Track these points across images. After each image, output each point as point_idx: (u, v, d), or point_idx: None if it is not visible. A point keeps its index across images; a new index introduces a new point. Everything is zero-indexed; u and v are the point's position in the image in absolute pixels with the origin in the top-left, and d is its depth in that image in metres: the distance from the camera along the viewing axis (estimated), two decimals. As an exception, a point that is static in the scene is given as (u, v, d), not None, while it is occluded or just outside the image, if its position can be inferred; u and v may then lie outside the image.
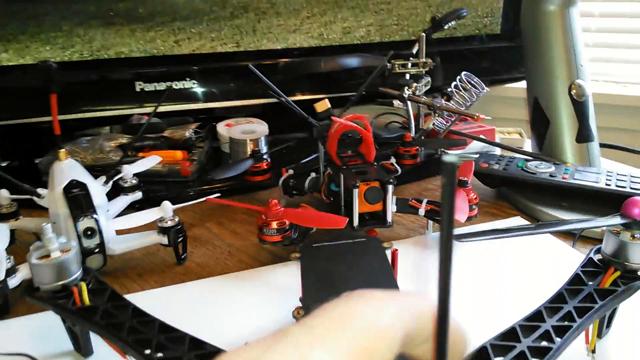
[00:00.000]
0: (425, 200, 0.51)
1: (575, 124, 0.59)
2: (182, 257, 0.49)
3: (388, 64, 0.64)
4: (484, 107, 0.87)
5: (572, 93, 0.59)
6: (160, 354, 0.29)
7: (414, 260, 0.48)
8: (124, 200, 0.54)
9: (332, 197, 0.53)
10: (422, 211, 0.50)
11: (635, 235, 0.34)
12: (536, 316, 0.30)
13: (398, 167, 0.59)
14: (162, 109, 0.71)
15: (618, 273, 0.34)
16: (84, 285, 0.34)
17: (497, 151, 0.70)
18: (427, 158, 0.67)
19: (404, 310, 0.17)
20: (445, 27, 0.69)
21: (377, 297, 0.17)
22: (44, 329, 0.39)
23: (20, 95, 0.66)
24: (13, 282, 0.42)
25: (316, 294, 0.32)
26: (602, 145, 0.62)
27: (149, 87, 0.69)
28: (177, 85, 0.70)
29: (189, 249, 0.51)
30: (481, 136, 0.69)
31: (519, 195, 0.58)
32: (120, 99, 0.70)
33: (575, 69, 0.59)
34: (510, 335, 0.29)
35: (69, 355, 0.37)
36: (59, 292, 0.34)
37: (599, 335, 0.37)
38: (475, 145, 0.70)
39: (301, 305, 0.32)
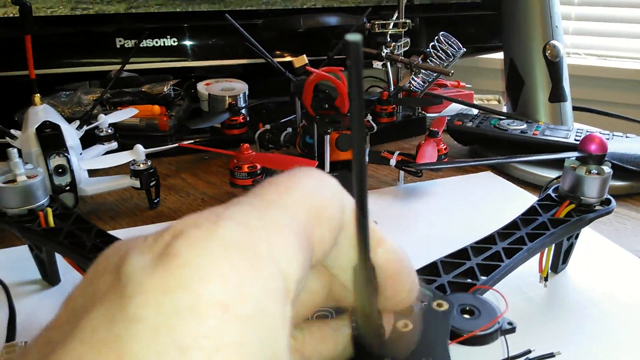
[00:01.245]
0: (397, 152, 0.52)
1: (548, 84, 0.60)
2: (155, 201, 0.50)
3: (368, 24, 0.64)
4: (467, 78, 0.88)
5: (546, 54, 0.60)
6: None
7: (383, 207, 0.49)
8: (99, 149, 0.54)
9: (307, 149, 0.54)
10: (393, 162, 0.51)
11: (591, 171, 0.35)
12: (488, 239, 0.31)
13: (374, 124, 0.60)
14: (142, 66, 0.71)
15: (572, 206, 0.35)
16: (49, 210, 0.34)
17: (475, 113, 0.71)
18: (404, 118, 0.68)
19: (344, 194, 0.17)
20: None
21: (322, 173, 0.17)
22: (14, 261, 0.40)
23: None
24: (-16, 217, 0.42)
25: None
26: (575, 108, 0.63)
27: (130, 43, 0.69)
28: (158, 42, 0.71)
29: (163, 196, 0.52)
30: (465, 101, 0.70)
31: (491, 152, 0.58)
32: (100, 55, 0.70)
33: (550, 30, 0.60)
34: (461, 254, 0.30)
35: (37, 283, 0.38)
36: (25, 216, 0.34)
37: (555, 270, 0.38)
38: (453, 108, 0.71)
39: None
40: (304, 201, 0.15)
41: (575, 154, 0.35)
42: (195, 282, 0.11)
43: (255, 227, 0.13)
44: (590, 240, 0.43)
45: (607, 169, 0.35)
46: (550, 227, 0.33)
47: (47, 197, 0.36)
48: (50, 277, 0.37)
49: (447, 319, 0.23)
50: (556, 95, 0.60)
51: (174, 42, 0.71)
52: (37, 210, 0.34)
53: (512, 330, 0.24)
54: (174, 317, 0.11)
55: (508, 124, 0.58)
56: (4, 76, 0.66)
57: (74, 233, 0.33)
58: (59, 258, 0.36)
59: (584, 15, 0.99)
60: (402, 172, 0.53)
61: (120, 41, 0.69)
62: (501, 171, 0.56)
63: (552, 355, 0.29)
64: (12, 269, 0.39)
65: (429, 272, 0.28)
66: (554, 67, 0.60)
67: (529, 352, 0.29)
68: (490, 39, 0.83)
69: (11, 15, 0.66)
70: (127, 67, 0.68)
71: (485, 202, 0.50)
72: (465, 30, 0.83)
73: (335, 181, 0.17)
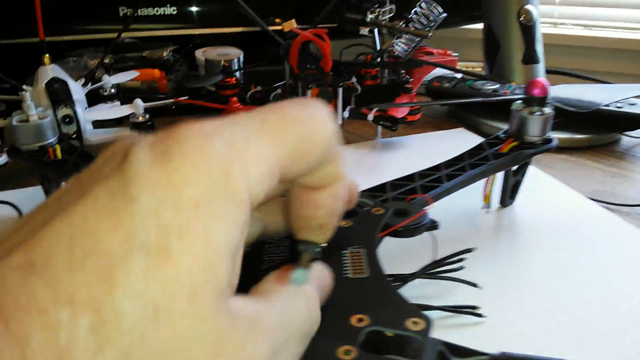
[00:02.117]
0: (374, 109, 0.56)
1: (522, 47, 0.64)
2: (154, 151, 0.55)
3: (354, -9, 0.68)
4: (457, 48, 0.91)
5: (520, 18, 0.63)
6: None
7: (361, 157, 0.54)
8: (103, 107, 0.59)
9: (293, 105, 0.58)
10: (370, 117, 0.56)
11: (534, 112, 0.39)
12: (435, 167, 0.36)
13: (358, 86, 0.64)
14: (144, 33, 0.76)
15: (516, 143, 0.39)
16: (58, 146, 0.40)
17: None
18: (390, 82, 0.72)
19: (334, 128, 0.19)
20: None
21: (327, 112, 0.18)
22: (28, 197, 0.45)
23: (7, 15, 0.71)
24: (0, 160, 0.47)
25: None
26: (548, 72, 0.67)
27: (131, 11, 0.74)
28: (158, 10, 0.75)
29: (161, 148, 0.56)
30: (445, 65, 0.74)
31: (465, 111, 0.63)
32: (105, 23, 0.75)
33: (524, -5, 0.64)
34: (408, 177, 0.34)
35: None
36: (37, 151, 0.39)
37: (503, 203, 0.42)
38: (437, 72, 0.75)
39: None
40: (293, 141, 0.17)
41: (521, 96, 0.40)
42: (180, 183, 0.14)
43: (238, 149, 0.15)
44: (542, 180, 0.47)
45: (548, 110, 0.39)
46: (491, 159, 0.37)
47: (56, 136, 0.41)
48: (59, 208, 0.42)
49: (380, 219, 0.28)
50: (529, 57, 0.64)
51: (174, 10, 0.75)
52: (47, 146, 0.39)
53: (435, 227, 0.29)
54: (161, 205, 0.14)
55: (482, 85, 0.62)
56: (14, 43, 0.72)
57: (78, 164, 0.38)
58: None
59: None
60: (379, 127, 0.57)
61: (122, 9, 0.74)
62: (474, 127, 0.61)
63: (474, 285, 0.33)
64: (27, 205, 0.44)
65: (379, 190, 0.33)
66: (527, 30, 0.63)
67: (461, 263, 0.33)
68: (478, 8, 0.86)
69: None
70: (130, 34, 0.73)
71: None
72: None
73: (331, 117, 0.19)
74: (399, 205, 0.29)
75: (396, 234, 0.28)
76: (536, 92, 0.39)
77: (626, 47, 0.94)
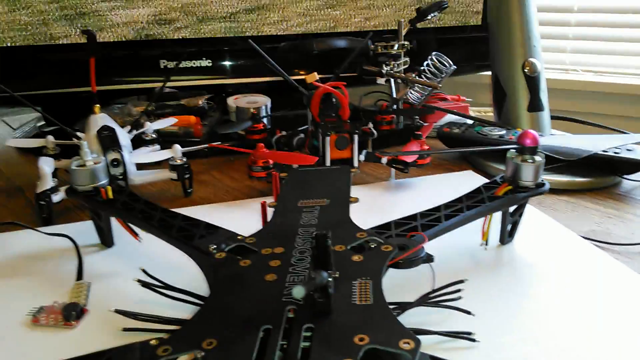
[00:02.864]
0: (389, 154, 0.61)
1: (527, 96, 0.69)
2: (189, 191, 0.61)
3: (372, 45, 0.75)
4: (471, 93, 0.97)
5: (525, 70, 0.69)
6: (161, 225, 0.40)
7: (376, 196, 0.59)
8: (145, 150, 0.66)
9: (313, 150, 0.64)
10: (384, 160, 0.61)
11: (526, 160, 0.44)
12: (435, 208, 0.41)
13: (374, 131, 0.70)
14: (182, 83, 0.84)
15: (510, 187, 0.44)
16: (109, 187, 0.46)
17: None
18: (405, 127, 0.77)
19: None
20: (429, 17, 0.79)
21: None
22: (80, 232, 0.51)
23: (63, 68, 0.79)
24: (56, 198, 0.54)
25: (290, 196, 0.43)
26: (553, 117, 0.71)
27: (171, 64, 0.82)
28: (195, 63, 0.83)
29: (195, 188, 0.63)
30: (455, 111, 0.79)
31: (474, 155, 0.67)
32: (147, 74, 0.83)
33: (529, 49, 0.69)
34: (411, 217, 0.39)
35: (97, 246, 0.49)
36: (91, 191, 0.46)
37: (502, 241, 0.47)
38: (449, 118, 0.80)
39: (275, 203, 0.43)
40: None
41: (515, 146, 0.44)
42: None
43: None
44: (540, 221, 0.52)
45: (538, 158, 0.44)
46: (487, 201, 0.42)
47: (107, 179, 0.47)
48: (107, 241, 0.49)
49: (387, 256, 0.33)
50: (534, 106, 0.68)
51: (209, 63, 0.83)
52: (100, 187, 0.46)
53: (431, 259, 0.33)
54: None
55: (489, 131, 0.67)
56: (65, 92, 0.80)
57: (127, 202, 0.44)
58: (113, 227, 0.48)
59: (581, 35, 1.07)
60: (392, 169, 0.63)
61: (163, 62, 0.82)
62: (481, 170, 0.65)
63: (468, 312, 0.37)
64: (79, 237, 0.51)
65: (385, 227, 0.38)
66: (532, 81, 0.68)
67: (459, 294, 0.37)
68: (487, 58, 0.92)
69: (74, 42, 0.79)
70: (169, 84, 0.81)
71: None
72: (465, 50, 0.93)
73: None
74: (402, 242, 0.34)
75: (397, 265, 0.33)
76: (527, 142, 0.44)
77: (633, 92, 0.98)
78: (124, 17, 0.79)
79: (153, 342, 0.26)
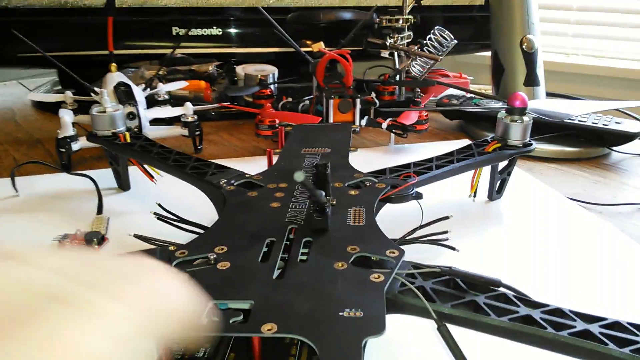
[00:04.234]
0: (388, 119, 0.65)
1: (524, 71, 0.72)
2: (199, 147, 0.64)
3: (377, 19, 0.78)
4: (474, 73, 1.00)
5: (523, 46, 0.72)
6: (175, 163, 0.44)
7: (375, 159, 0.63)
8: (157, 109, 0.69)
9: (318, 114, 0.68)
10: (384, 125, 0.64)
11: (515, 120, 0.47)
12: (428, 160, 0.44)
13: (376, 100, 0.73)
14: (193, 50, 0.87)
15: (499, 145, 0.47)
16: (127, 132, 0.49)
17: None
18: (407, 99, 0.81)
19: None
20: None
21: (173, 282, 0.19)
22: (98, 177, 0.55)
23: (81, 32, 0.83)
24: (75, 147, 0.58)
25: (294, 146, 0.46)
26: (548, 94, 0.74)
27: (182, 31, 0.85)
28: (206, 31, 0.86)
29: (204, 146, 0.66)
30: (455, 85, 0.82)
31: (472, 125, 0.71)
32: (159, 40, 0.86)
33: (527, 26, 0.72)
34: (405, 166, 0.43)
35: (114, 189, 0.53)
36: (110, 136, 0.49)
37: (490, 197, 0.50)
38: (450, 92, 0.83)
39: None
40: (172, 328, 0.17)
41: (505, 106, 0.48)
42: None
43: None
44: (528, 182, 0.55)
45: (526, 118, 0.47)
46: (476, 155, 0.45)
47: (125, 126, 0.51)
48: (123, 184, 0.52)
49: (380, 191, 0.36)
50: (530, 80, 0.72)
51: (219, 31, 0.86)
52: (118, 133, 0.49)
53: (420, 197, 0.37)
54: None
55: (486, 103, 0.70)
56: (82, 55, 0.83)
57: (143, 145, 0.48)
58: (130, 172, 0.51)
59: (582, 20, 1.09)
60: (392, 135, 0.66)
61: (175, 29, 0.85)
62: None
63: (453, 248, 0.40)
64: (98, 181, 0.54)
65: (381, 172, 0.41)
66: (529, 56, 0.71)
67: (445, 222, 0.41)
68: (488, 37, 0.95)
69: (90, 5, 0.82)
70: (180, 50, 0.84)
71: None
72: (468, 28, 0.95)
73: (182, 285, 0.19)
74: (393, 181, 0.38)
75: (389, 200, 0.36)
76: (517, 103, 0.47)
77: (630, 77, 1.00)
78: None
79: (171, 248, 0.30)
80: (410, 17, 0.78)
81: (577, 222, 0.48)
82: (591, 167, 0.62)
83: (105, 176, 0.53)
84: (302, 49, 0.77)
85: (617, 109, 0.66)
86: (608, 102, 0.68)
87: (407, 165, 0.43)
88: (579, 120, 0.63)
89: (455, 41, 0.75)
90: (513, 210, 0.49)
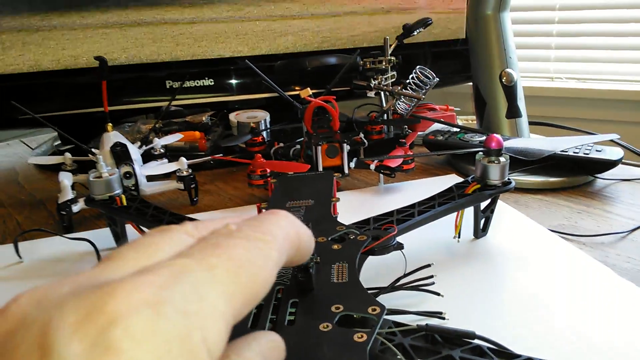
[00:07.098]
0: (376, 160, 0.67)
1: (505, 104, 0.74)
2: (195, 200, 0.67)
3: (361, 61, 0.81)
4: (460, 103, 1.02)
5: (502, 79, 0.74)
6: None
7: (366, 200, 0.65)
8: (154, 163, 0.72)
9: (308, 159, 0.70)
10: (372, 166, 0.66)
11: (492, 160, 0.49)
12: (410, 206, 0.46)
13: (365, 140, 0.75)
14: (187, 101, 0.90)
15: (478, 185, 0.49)
16: (123, 196, 0.52)
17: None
18: (395, 136, 0.83)
19: (282, 251, 0.20)
20: (415, 33, 0.85)
21: (270, 241, 0.19)
22: (97, 237, 0.57)
23: (77, 91, 0.86)
24: (75, 209, 0.60)
25: (279, 199, 0.48)
26: (531, 123, 0.77)
27: (176, 84, 0.88)
28: (198, 83, 0.89)
29: (200, 197, 0.69)
30: (440, 120, 0.85)
31: (457, 159, 0.73)
32: (154, 94, 0.90)
33: (505, 60, 0.75)
34: (388, 214, 0.45)
35: (113, 249, 0.55)
36: (107, 200, 0.52)
37: (476, 235, 0.52)
38: (436, 127, 0.86)
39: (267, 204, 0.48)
40: (245, 286, 0.16)
41: (482, 149, 0.50)
42: None
43: (194, 315, 0.14)
44: (512, 217, 0.57)
45: (503, 159, 0.49)
46: (457, 198, 0.47)
47: (121, 188, 0.53)
48: (122, 244, 0.54)
49: (362, 244, 0.38)
50: (512, 112, 0.74)
51: (211, 82, 0.89)
52: (114, 196, 0.52)
53: (401, 247, 0.39)
54: None
55: (470, 137, 0.72)
56: (79, 113, 0.87)
57: (139, 208, 0.50)
58: (128, 232, 0.53)
59: (563, 45, 1.13)
60: (381, 175, 0.68)
61: (169, 83, 0.88)
62: (464, 174, 0.71)
63: (438, 293, 0.43)
64: (97, 241, 0.56)
65: (365, 223, 0.43)
66: (508, 90, 0.74)
67: (430, 267, 0.42)
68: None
69: (85, 66, 0.86)
70: (174, 103, 0.87)
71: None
72: (453, 62, 0.98)
73: (277, 242, 0.20)
74: (375, 232, 0.39)
75: (372, 252, 0.38)
76: (493, 145, 0.49)
77: (612, 97, 1.03)
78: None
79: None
80: (392, 58, 0.81)
81: (559, 256, 0.49)
82: (576, 196, 0.64)
83: (104, 235, 0.55)
84: (291, 93, 0.80)
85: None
86: (587, 136, 0.70)
87: (390, 213, 0.45)
88: (560, 151, 0.65)
89: (437, 79, 0.78)
90: (497, 248, 0.51)
